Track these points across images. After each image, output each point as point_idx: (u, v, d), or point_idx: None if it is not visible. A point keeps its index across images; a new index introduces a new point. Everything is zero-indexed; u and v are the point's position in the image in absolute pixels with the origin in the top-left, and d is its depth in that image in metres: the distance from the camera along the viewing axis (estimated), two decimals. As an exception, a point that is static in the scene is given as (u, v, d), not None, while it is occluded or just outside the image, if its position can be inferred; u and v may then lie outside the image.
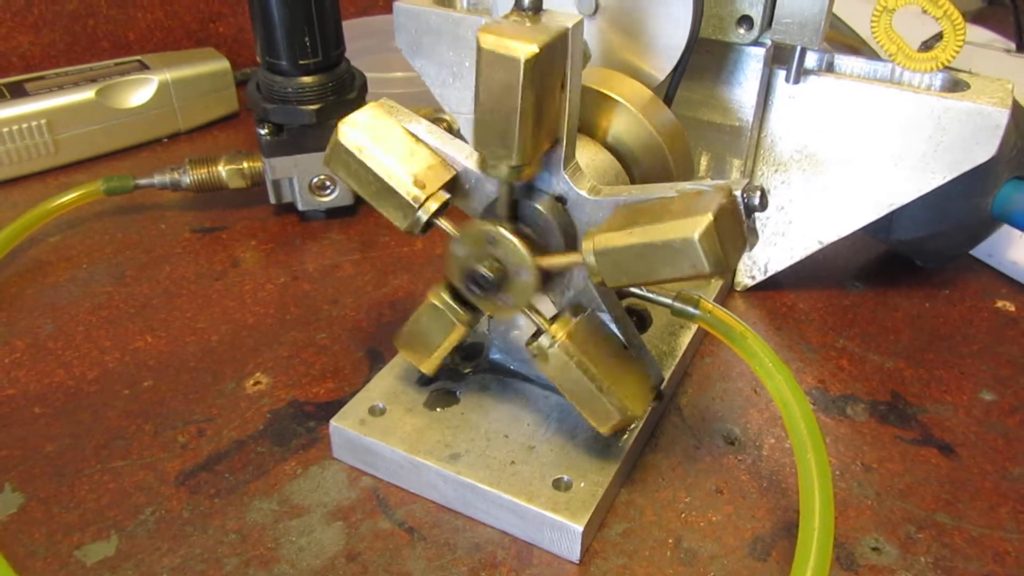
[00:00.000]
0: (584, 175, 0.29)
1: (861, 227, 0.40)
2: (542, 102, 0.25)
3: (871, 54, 0.69)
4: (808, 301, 0.44)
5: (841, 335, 0.42)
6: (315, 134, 0.47)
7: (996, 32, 0.80)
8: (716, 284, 0.42)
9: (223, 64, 0.61)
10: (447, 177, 0.30)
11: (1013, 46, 0.74)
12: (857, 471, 0.34)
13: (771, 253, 0.43)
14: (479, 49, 0.24)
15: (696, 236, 0.24)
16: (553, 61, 0.25)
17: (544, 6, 0.26)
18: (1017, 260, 0.47)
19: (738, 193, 0.26)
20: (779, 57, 0.37)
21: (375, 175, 0.29)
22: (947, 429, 0.36)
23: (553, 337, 0.29)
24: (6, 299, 0.44)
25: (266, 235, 0.49)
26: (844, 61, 0.39)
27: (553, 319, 0.30)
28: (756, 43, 0.35)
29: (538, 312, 0.30)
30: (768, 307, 0.44)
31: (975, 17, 0.79)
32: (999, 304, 0.44)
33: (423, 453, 0.32)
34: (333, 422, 0.34)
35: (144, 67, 0.58)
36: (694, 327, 0.39)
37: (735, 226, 0.25)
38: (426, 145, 0.30)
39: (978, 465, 0.34)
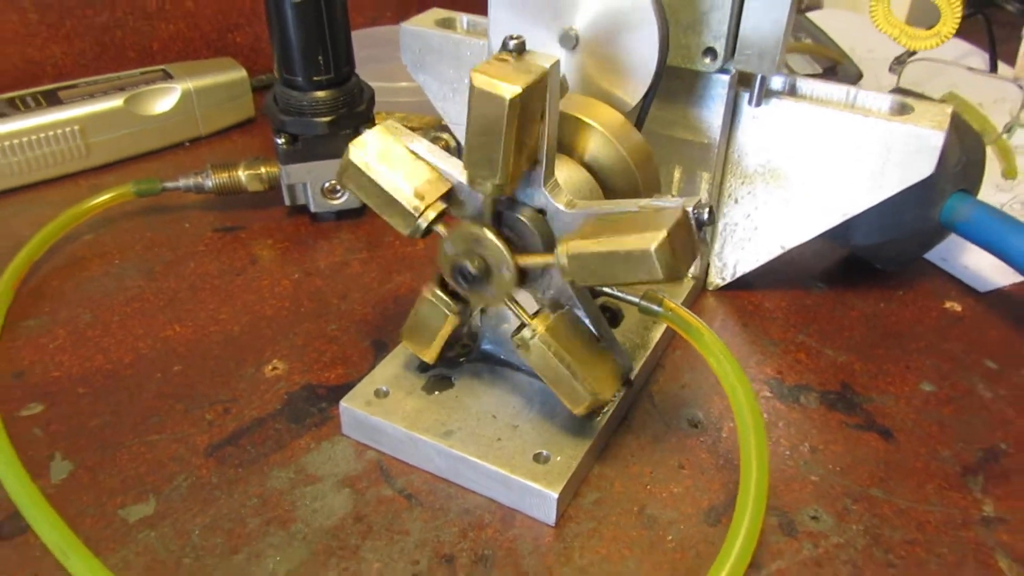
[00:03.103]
0: (562, 191, 0.33)
1: (819, 234, 0.44)
2: (523, 131, 0.30)
3: (851, 66, 0.73)
4: (774, 300, 0.48)
5: (801, 331, 0.46)
6: (327, 143, 0.51)
7: (975, 45, 0.84)
8: (689, 284, 0.46)
9: (240, 73, 0.65)
10: (443, 189, 0.34)
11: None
12: (804, 452, 0.39)
13: (739, 256, 0.47)
14: (471, 86, 0.29)
15: (652, 248, 0.29)
16: (534, 97, 0.29)
17: (529, 45, 0.31)
18: (968, 264, 0.51)
19: (690, 209, 0.30)
20: (744, 81, 0.42)
21: (381, 189, 0.34)
22: (888, 416, 0.41)
23: (534, 330, 0.34)
24: (48, 292, 0.49)
25: (281, 235, 0.54)
26: (805, 84, 0.44)
27: (535, 314, 0.34)
28: (721, 71, 0.40)
29: (522, 308, 0.34)
30: (737, 305, 0.48)
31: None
32: (947, 305, 0.48)
33: (421, 430, 0.37)
34: (343, 403, 0.38)
35: (168, 76, 0.63)
36: (661, 325, 0.43)
37: (687, 239, 0.30)
38: (425, 162, 0.35)
39: (912, 448, 0.39)
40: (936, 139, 0.39)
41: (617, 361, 0.36)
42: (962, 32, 0.83)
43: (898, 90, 0.48)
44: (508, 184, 0.31)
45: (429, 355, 0.38)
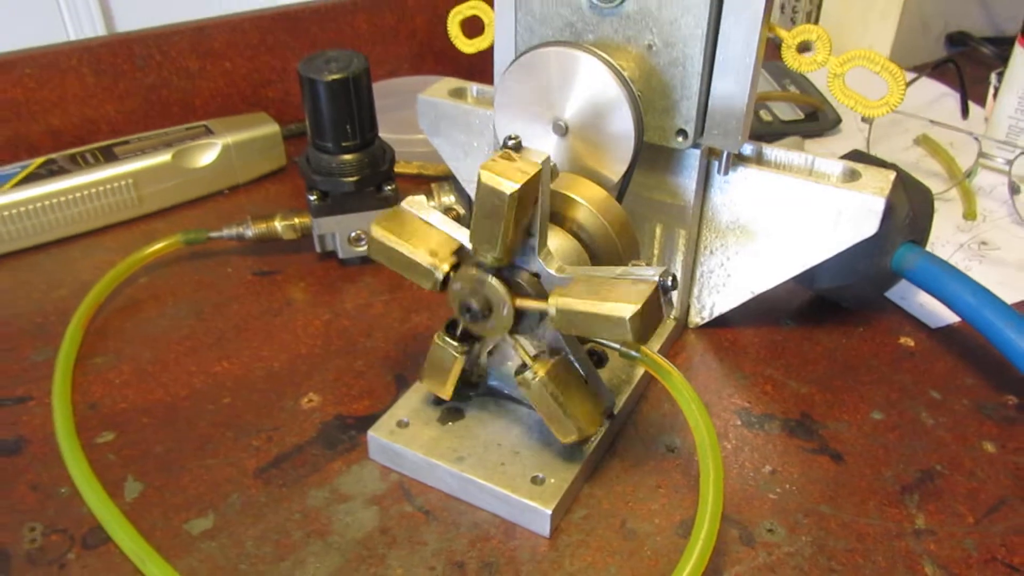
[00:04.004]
0: (553, 258, 0.40)
1: (785, 280, 0.51)
2: (521, 214, 0.37)
3: (830, 112, 0.80)
4: (747, 336, 0.55)
5: (769, 365, 0.52)
6: (354, 199, 0.58)
7: (949, 87, 0.90)
8: (670, 324, 0.53)
9: (274, 128, 0.72)
10: (454, 247, 0.41)
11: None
12: (765, 473, 0.45)
13: (716, 299, 0.53)
14: (479, 181, 0.36)
15: (627, 317, 0.35)
16: (530, 189, 0.36)
17: (529, 132, 0.37)
18: (923, 303, 0.57)
19: (658, 279, 0.37)
20: (714, 153, 0.48)
21: (401, 255, 0.41)
22: (840, 441, 0.47)
23: (535, 373, 0.40)
24: (111, 331, 0.56)
25: (313, 278, 0.61)
26: (770, 152, 0.50)
27: (536, 357, 0.41)
28: (694, 146, 0.46)
29: (525, 351, 0.41)
30: (714, 341, 0.55)
31: (932, 72, 0.89)
32: (901, 340, 0.55)
33: (436, 455, 0.43)
34: (370, 432, 0.45)
35: (209, 132, 0.70)
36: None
37: (655, 309, 0.36)
38: (437, 229, 0.41)
39: (859, 469, 0.45)
40: (878, 204, 0.45)
41: (601, 400, 0.43)
42: (937, 75, 0.89)
43: (855, 153, 0.54)
44: (506, 256, 0.38)
45: (445, 393, 0.44)
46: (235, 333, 0.56)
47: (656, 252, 0.51)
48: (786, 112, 0.80)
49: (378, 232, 0.41)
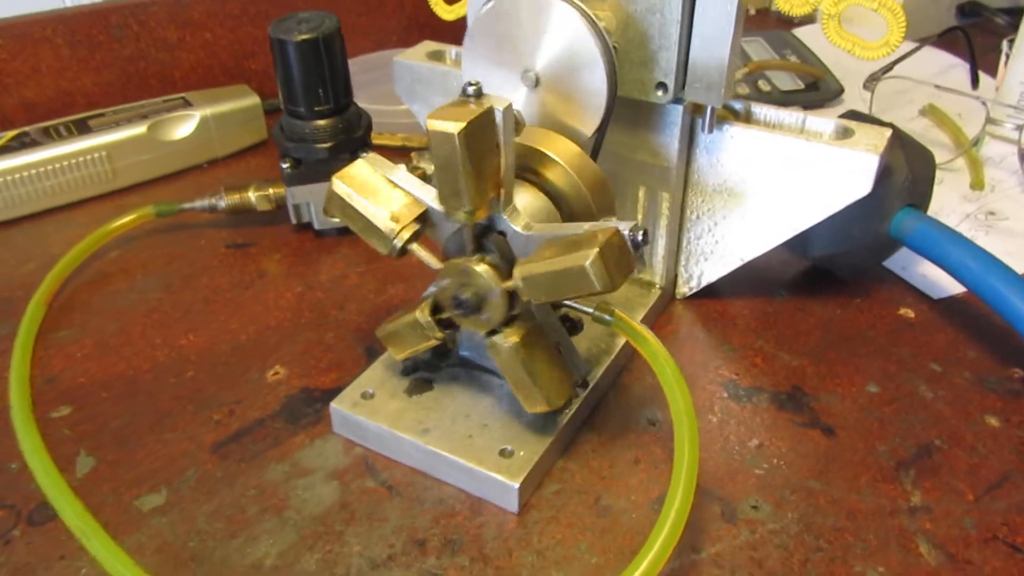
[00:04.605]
0: (520, 215, 0.37)
1: (776, 245, 0.48)
2: (480, 162, 0.34)
3: (832, 82, 0.77)
4: (738, 307, 0.52)
5: (760, 337, 0.50)
6: (328, 166, 0.56)
7: (959, 57, 0.86)
8: (655, 293, 0.50)
9: (254, 100, 0.70)
10: (418, 212, 0.39)
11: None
12: (751, 447, 0.42)
13: (703, 268, 0.51)
14: (428, 129, 0.33)
15: (587, 264, 0.33)
16: (482, 132, 0.34)
17: (498, 85, 0.35)
18: (925, 273, 0.54)
19: (626, 232, 0.34)
20: (698, 109, 0.45)
21: (361, 215, 0.38)
22: (833, 415, 0.44)
23: (507, 338, 0.38)
24: (78, 304, 0.54)
25: (287, 250, 0.59)
26: (760, 110, 0.47)
27: (510, 322, 0.38)
28: (675, 101, 0.44)
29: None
30: (703, 312, 0.52)
31: (937, 42, 0.86)
32: (901, 311, 0.52)
33: (401, 428, 0.41)
34: (332, 404, 0.43)
35: (187, 104, 0.68)
36: (629, 330, 0.47)
37: (621, 256, 0.34)
38: (402, 189, 0.39)
39: (852, 443, 0.42)
40: (871, 162, 0.42)
41: (574, 370, 0.40)
42: (946, 45, 0.86)
43: (851, 113, 0.51)
44: (478, 210, 0.35)
45: (400, 356, 0.42)
46: (203, 306, 0.54)
47: (640, 217, 0.49)
48: (785, 82, 0.77)
49: (339, 186, 0.38)
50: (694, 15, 0.41)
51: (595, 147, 0.41)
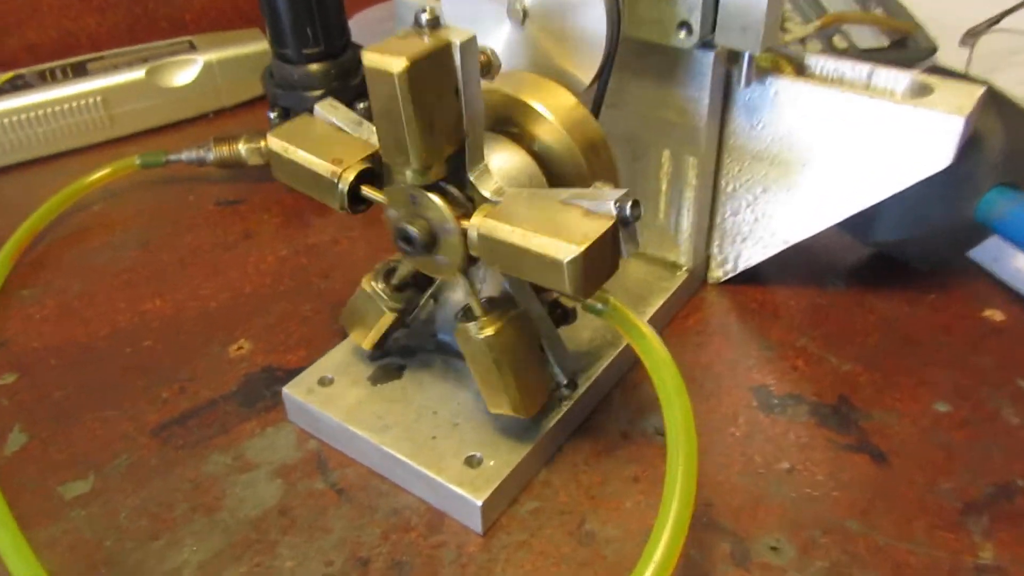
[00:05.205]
0: (491, 177, 0.30)
1: (828, 227, 0.40)
2: (431, 109, 0.27)
3: (923, 39, 0.66)
4: (781, 297, 0.44)
5: (804, 334, 0.42)
6: (321, 118, 0.50)
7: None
8: (681, 276, 0.42)
9: (264, 46, 0.64)
10: (366, 151, 0.32)
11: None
12: (779, 471, 0.35)
13: (741, 249, 0.43)
14: (364, 66, 0.26)
15: (565, 261, 0.26)
16: (436, 71, 0.27)
17: (480, 19, 0.28)
18: (1020, 268, 0.45)
19: (611, 204, 0.27)
20: (735, 58, 0.37)
21: (301, 166, 0.32)
22: (886, 437, 0.36)
23: (481, 328, 0.31)
24: (48, 261, 0.50)
25: (279, 209, 0.53)
26: (815, 60, 0.39)
27: (490, 308, 0.31)
28: (705, 46, 0.36)
29: (477, 299, 0.32)
30: (738, 301, 0.44)
31: None
32: (986, 313, 0.43)
33: (356, 423, 0.35)
34: (285, 389, 0.37)
35: (193, 48, 0.63)
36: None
37: (608, 252, 0.27)
38: (349, 134, 0.33)
39: (907, 475, 0.34)
40: (953, 125, 0.34)
41: (557, 369, 0.33)
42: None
43: (935, 68, 0.42)
44: (429, 170, 0.29)
45: (367, 343, 0.36)
46: (178, 267, 0.48)
47: (664, 188, 0.41)
48: (866, 38, 0.66)
49: (275, 143, 0.32)
50: (730, -67, 0.32)
51: (596, 99, 0.34)
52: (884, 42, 0.67)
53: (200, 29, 0.69)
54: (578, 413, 0.36)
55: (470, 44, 0.27)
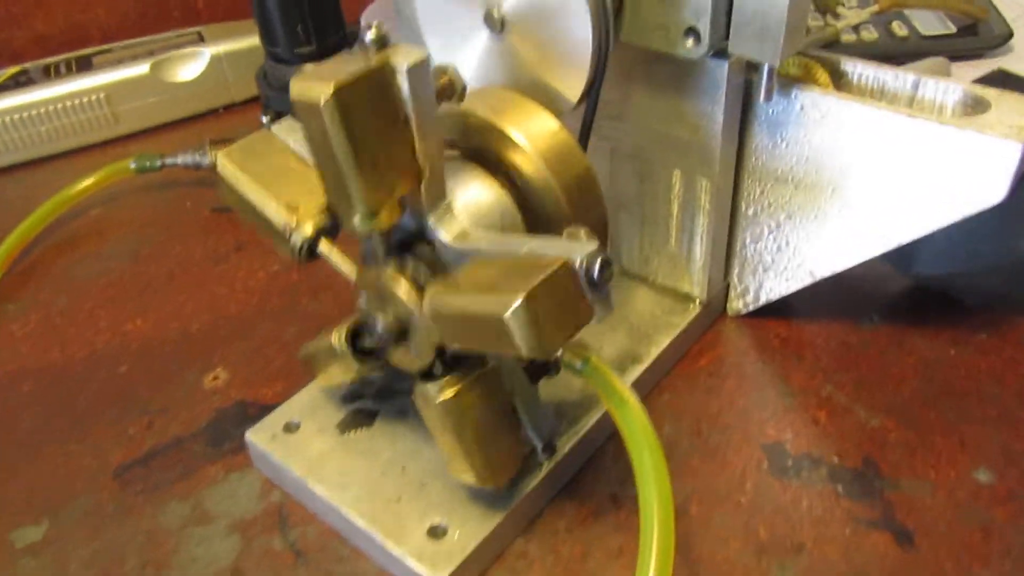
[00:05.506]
0: (454, 218, 0.27)
1: (857, 263, 0.35)
2: (372, 144, 0.23)
3: (997, 24, 0.59)
4: (808, 333, 0.39)
5: (831, 380, 0.37)
6: (315, 123, 0.46)
7: None
8: (694, 310, 0.38)
9: (275, 36, 0.61)
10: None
11: None
12: (786, 549, 0.30)
13: (763, 280, 0.38)
14: (291, 97, 0.23)
15: (506, 316, 0.22)
16: (375, 99, 0.23)
17: (456, 28, 0.24)
18: (1090, 302, 0.39)
19: (577, 262, 0.23)
20: (754, 67, 0.32)
21: (252, 206, 0.28)
22: (914, 511, 0.31)
23: (441, 391, 0.27)
24: (37, 271, 0.48)
25: (275, 219, 0.50)
26: (851, 67, 0.34)
27: (454, 364, 0.28)
28: (718, 55, 0.31)
29: (441, 356, 0.28)
30: (760, 336, 0.39)
31: None
32: (1046, 357, 0.37)
33: (317, 479, 0.32)
34: (248, 435, 0.34)
35: (201, 39, 0.60)
36: (644, 364, 0.35)
37: (567, 301, 0.23)
38: (308, 164, 0.29)
39: (937, 561, 0.30)
40: (1010, 152, 0.28)
41: (532, 433, 0.29)
42: None
43: (999, 75, 0.36)
44: (377, 215, 0.25)
45: (323, 383, 0.33)
46: (165, 282, 0.46)
47: (674, 212, 0.37)
48: (931, 24, 0.60)
49: (225, 168, 0.29)
50: (743, -73, 0.28)
51: (585, 121, 0.29)
52: (951, 28, 0.60)
53: (213, 17, 0.66)
54: (562, 473, 0.33)
55: (419, 67, 0.23)
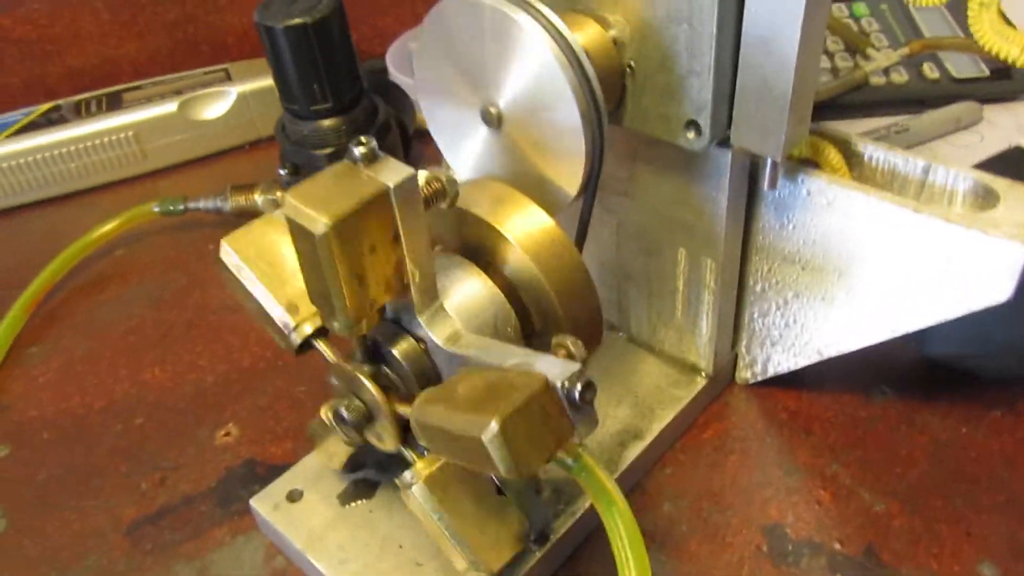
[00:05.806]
0: (447, 318, 0.27)
1: (863, 347, 0.34)
2: (362, 264, 0.24)
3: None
4: (817, 407, 0.39)
5: (837, 458, 0.36)
6: (331, 175, 0.47)
7: None
8: (700, 383, 0.38)
9: (300, 74, 0.62)
10: None
11: None
12: (780, 644, 0.30)
13: (771, 353, 0.38)
14: (284, 215, 0.23)
15: (485, 439, 0.22)
16: (369, 223, 0.23)
17: (456, 121, 0.24)
18: (1111, 381, 0.38)
19: (558, 384, 0.23)
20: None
21: (253, 298, 0.29)
22: (914, 607, 0.31)
23: (416, 475, 0.28)
24: (63, 313, 0.49)
25: (293, 265, 0.51)
26: (863, 147, 0.33)
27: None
28: (721, 144, 0.31)
29: (411, 446, 0.29)
30: (766, 408, 0.39)
31: None
32: (1062, 440, 0.36)
33: (315, 552, 0.33)
34: (252, 502, 0.35)
35: (228, 77, 0.61)
36: (645, 441, 0.35)
37: (547, 422, 0.23)
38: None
39: (933, 664, 0.29)
40: (1015, 255, 0.28)
41: (523, 517, 0.29)
42: None
43: (1015, 153, 0.35)
44: (358, 326, 0.25)
45: (333, 465, 0.33)
46: (184, 330, 0.47)
47: (680, 287, 0.36)
48: (964, 66, 0.58)
49: (228, 257, 0.29)
50: (742, 25, 0.27)
51: (582, 219, 0.29)
52: (984, 71, 0.58)
53: (242, 53, 0.67)
54: (558, 554, 0.33)
55: (408, 183, 0.24)
